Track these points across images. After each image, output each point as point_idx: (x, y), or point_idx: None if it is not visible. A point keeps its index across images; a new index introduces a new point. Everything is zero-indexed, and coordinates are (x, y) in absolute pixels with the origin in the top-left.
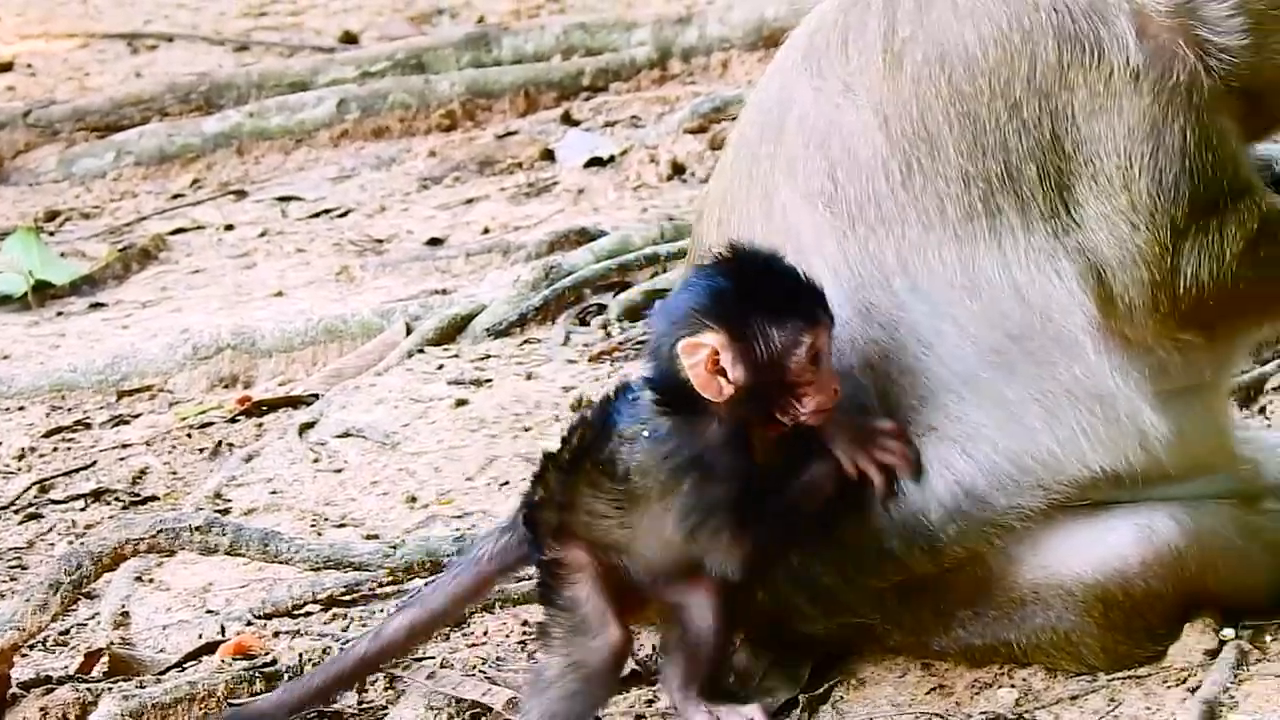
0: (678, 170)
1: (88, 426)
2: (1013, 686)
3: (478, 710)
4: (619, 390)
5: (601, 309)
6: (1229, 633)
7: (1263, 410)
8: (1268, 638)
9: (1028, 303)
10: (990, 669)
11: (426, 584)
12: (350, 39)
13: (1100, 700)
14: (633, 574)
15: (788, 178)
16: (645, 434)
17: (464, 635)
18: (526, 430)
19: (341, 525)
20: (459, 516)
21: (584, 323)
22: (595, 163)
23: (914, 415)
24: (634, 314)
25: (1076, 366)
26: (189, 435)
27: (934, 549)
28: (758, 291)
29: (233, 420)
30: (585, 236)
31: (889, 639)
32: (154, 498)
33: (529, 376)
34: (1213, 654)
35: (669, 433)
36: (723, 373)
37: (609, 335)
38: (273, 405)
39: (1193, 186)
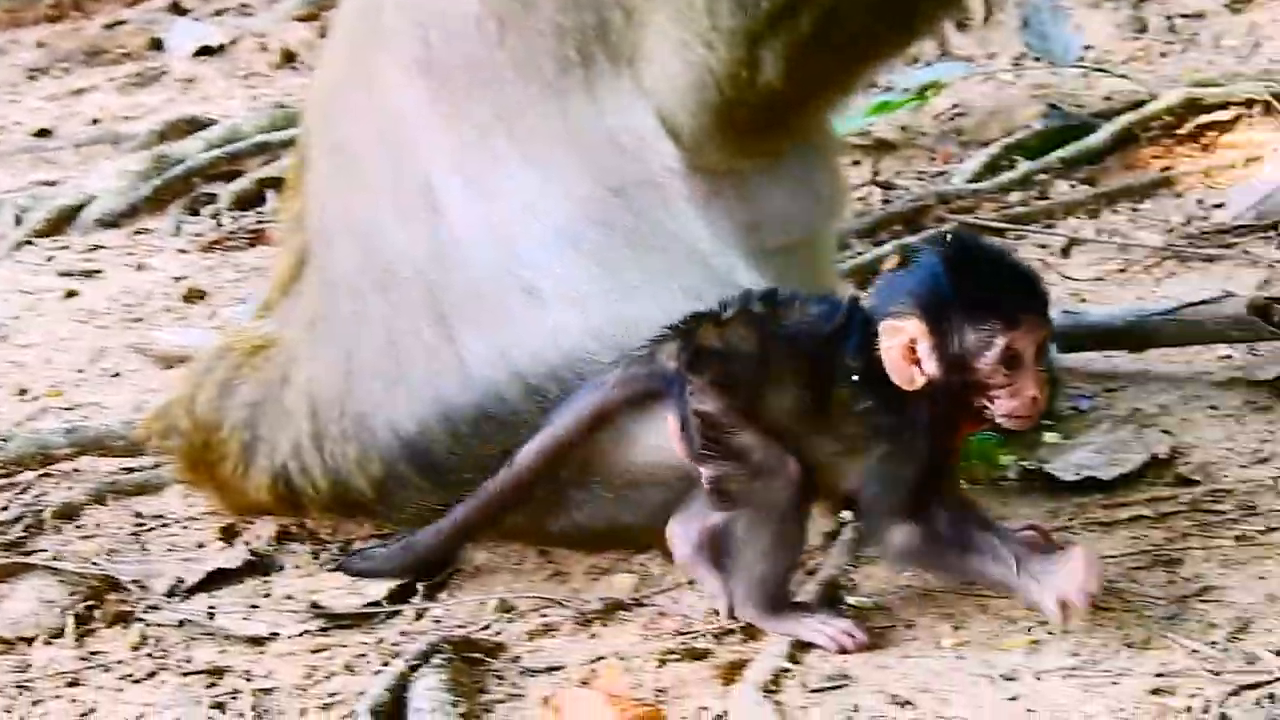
0: (288, 58)
1: None
2: (631, 572)
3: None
4: (854, 306)
5: (212, 198)
6: (847, 515)
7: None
8: None
9: (622, 152)
10: (608, 555)
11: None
12: None
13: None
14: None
15: (384, 50)
16: (855, 378)
17: (76, 529)
18: (138, 321)
19: None
20: (70, 409)
21: (194, 212)
22: (205, 51)
23: (517, 276)
24: (245, 202)
25: (671, 221)
26: None
27: (541, 413)
28: (966, 284)
29: None
30: (195, 126)
31: (502, 521)
32: None
33: (140, 267)
34: (831, 536)
35: (872, 394)
36: (918, 362)
37: (220, 225)
38: None
39: None
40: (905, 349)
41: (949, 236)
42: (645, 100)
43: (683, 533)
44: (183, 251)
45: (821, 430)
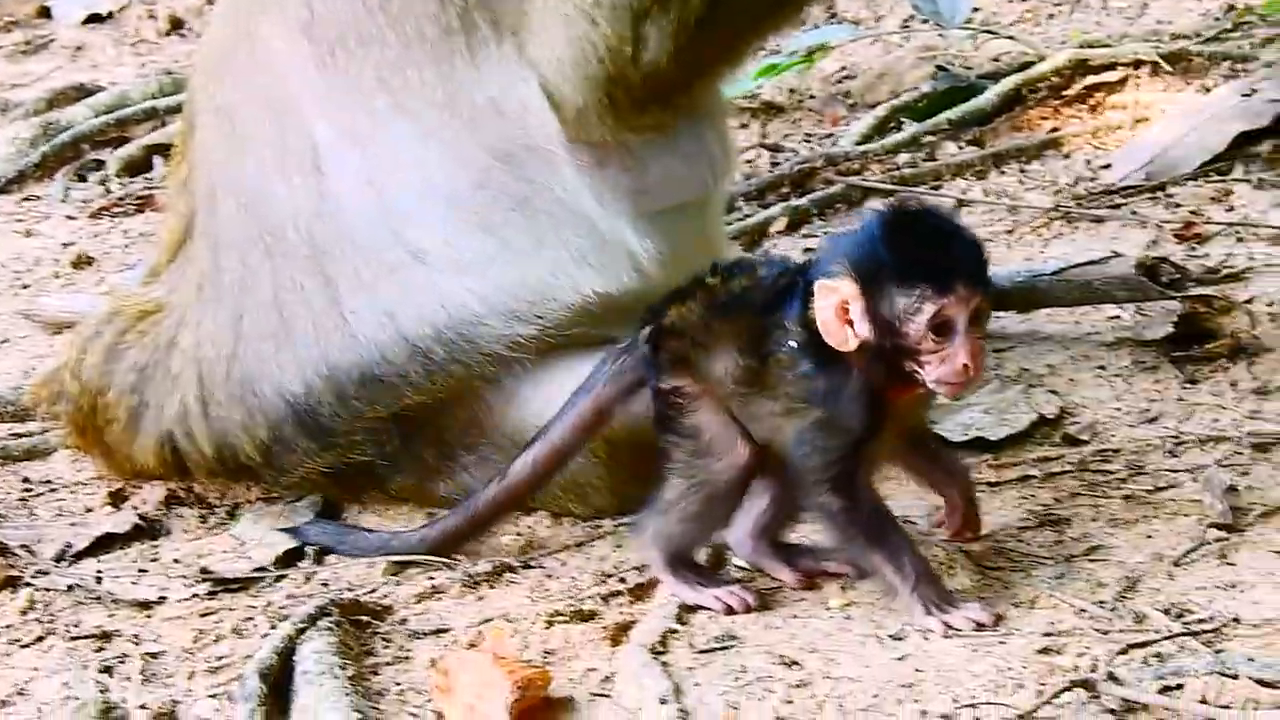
0: (176, 25)
1: None
2: (518, 534)
3: None
4: (801, 269)
5: (100, 165)
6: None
7: (766, 254)
8: None
9: (505, 118)
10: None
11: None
12: None
13: (606, 546)
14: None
15: (267, 14)
16: (793, 341)
17: None
18: (26, 288)
19: None
20: None
21: (83, 179)
22: (93, 19)
23: (402, 238)
24: (133, 169)
25: (557, 185)
26: None
27: (427, 374)
28: (902, 250)
29: None
30: (83, 92)
31: (390, 483)
32: None
33: (28, 234)
34: None
35: (809, 356)
36: (851, 324)
37: (108, 191)
38: None
39: None
40: (839, 310)
41: (893, 204)
42: (529, 70)
43: (741, 528)
44: (71, 218)
45: (762, 394)
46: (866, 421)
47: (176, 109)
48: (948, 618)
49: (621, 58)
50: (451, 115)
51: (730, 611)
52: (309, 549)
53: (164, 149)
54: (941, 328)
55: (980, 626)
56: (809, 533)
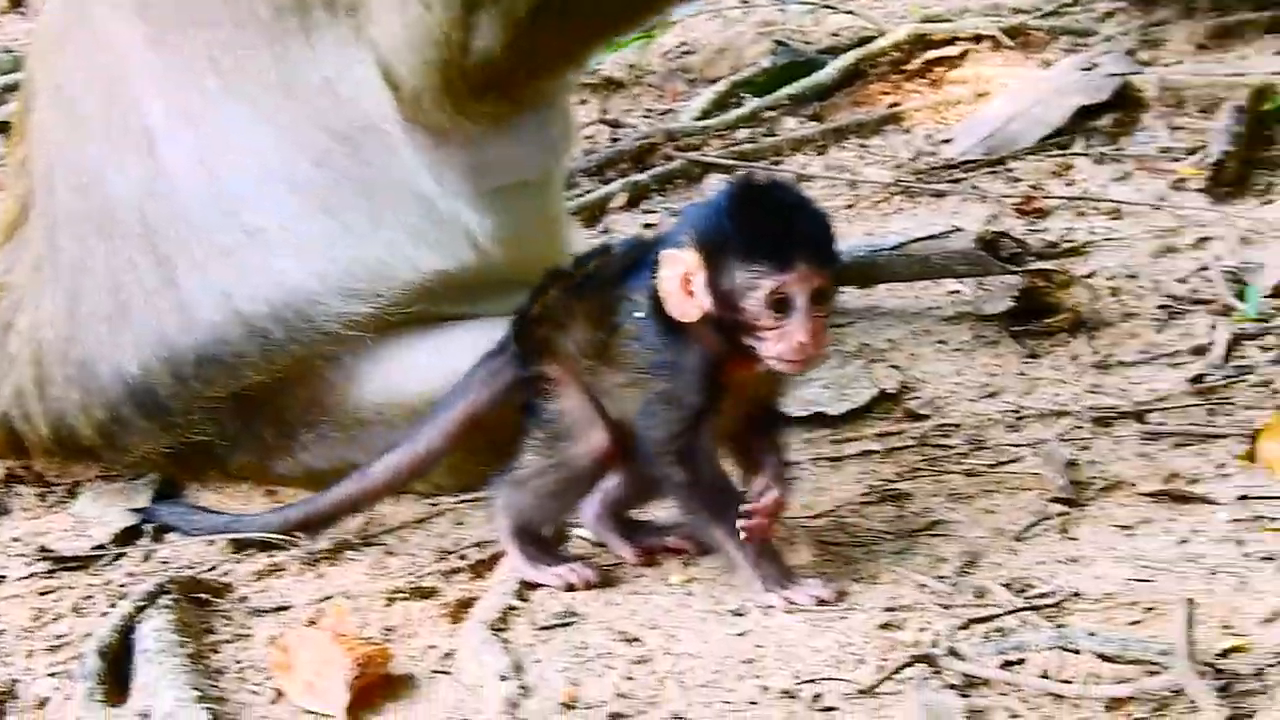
0: (15, 3)
1: None
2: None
3: None
4: (653, 242)
5: None
6: None
7: (606, 231)
8: None
9: (341, 99)
10: None
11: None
12: None
13: (446, 523)
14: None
15: None
16: (639, 313)
17: None
18: None
19: None
20: None
21: None
22: None
23: (237, 218)
24: None
25: (394, 165)
26: None
27: (265, 354)
28: (745, 224)
29: None
30: None
31: (230, 462)
32: None
33: None
34: None
35: (653, 327)
36: (693, 295)
37: None
38: None
39: None
40: (682, 280)
41: (744, 176)
42: (366, 51)
43: (590, 502)
44: None
45: (611, 366)
46: (705, 394)
47: (16, 87)
48: (788, 593)
49: (454, 44)
50: (286, 96)
51: (570, 588)
52: (147, 527)
53: (3, 127)
54: (780, 304)
55: (822, 602)
56: (655, 509)
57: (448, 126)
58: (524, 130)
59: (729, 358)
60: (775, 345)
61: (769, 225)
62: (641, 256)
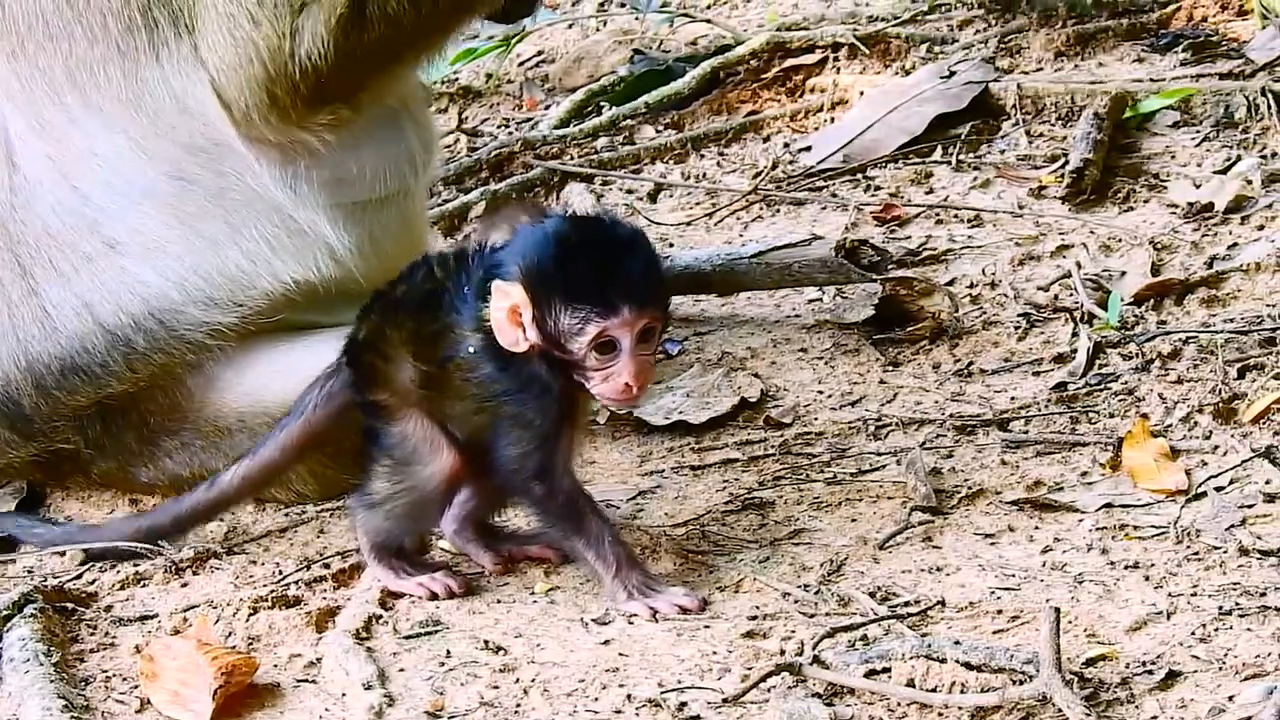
0: None
1: None
2: (221, 520)
3: None
4: (472, 255)
5: None
6: None
7: (467, 237)
8: None
9: (190, 114)
10: None
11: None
12: None
13: (309, 532)
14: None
15: None
16: (470, 346)
17: None
18: None
19: None
20: None
21: None
22: None
23: (96, 230)
24: None
25: (248, 177)
26: None
27: (127, 363)
28: (569, 266)
29: None
30: None
31: (93, 469)
32: None
33: None
34: None
35: (489, 358)
36: (522, 327)
37: None
38: None
39: None
40: (510, 312)
41: (572, 212)
42: (202, 70)
43: (449, 514)
44: None
45: (449, 396)
46: (553, 414)
47: None
48: (651, 602)
49: (280, 56)
50: (137, 111)
51: (434, 597)
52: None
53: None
54: (605, 346)
55: (685, 611)
56: (515, 517)
57: (286, 141)
58: (382, 144)
59: (567, 383)
60: (600, 385)
61: (593, 269)
62: (458, 272)
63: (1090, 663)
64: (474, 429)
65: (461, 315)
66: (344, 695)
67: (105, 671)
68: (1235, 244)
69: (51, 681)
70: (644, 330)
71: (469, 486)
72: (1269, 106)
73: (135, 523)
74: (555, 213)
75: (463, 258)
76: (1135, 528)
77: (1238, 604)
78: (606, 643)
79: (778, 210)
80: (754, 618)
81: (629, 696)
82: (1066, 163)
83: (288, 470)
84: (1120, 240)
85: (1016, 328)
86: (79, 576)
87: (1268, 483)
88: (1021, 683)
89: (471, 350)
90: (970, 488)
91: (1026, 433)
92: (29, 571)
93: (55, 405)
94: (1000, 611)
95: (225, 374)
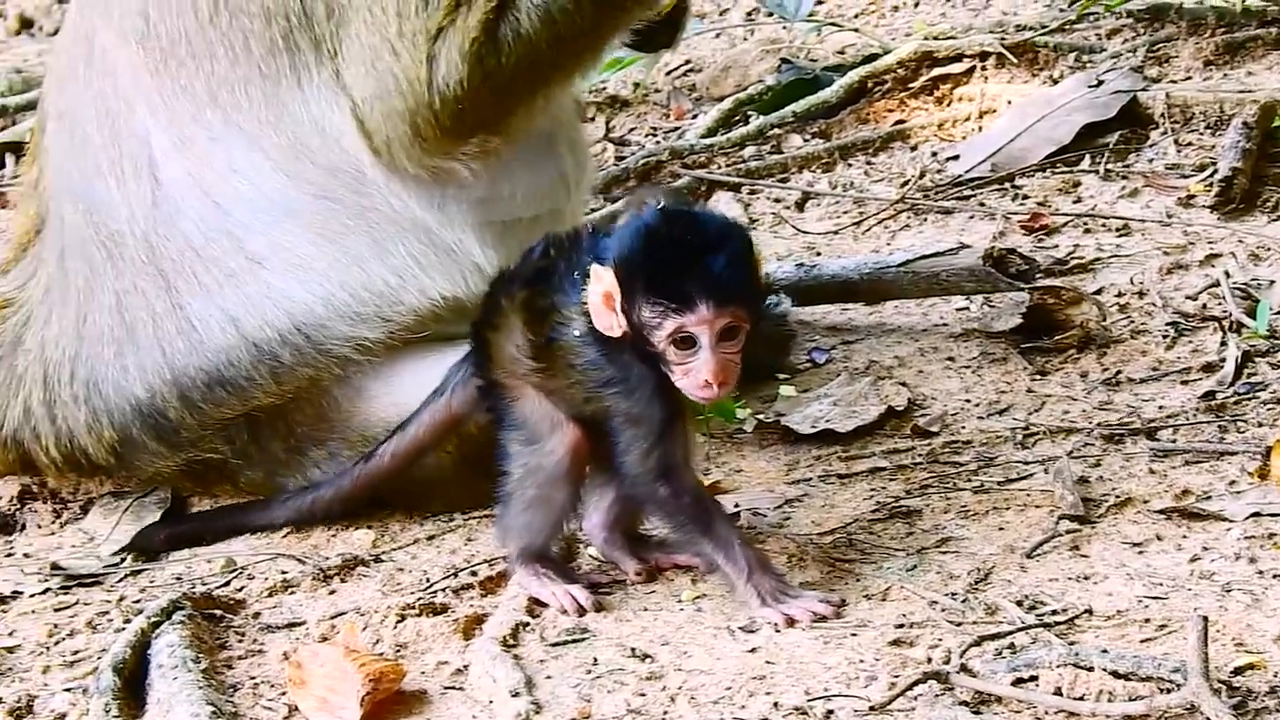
0: (26, 25)
1: None
2: (370, 528)
3: None
4: (584, 238)
5: None
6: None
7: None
8: None
9: (328, 137)
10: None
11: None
12: None
13: (457, 539)
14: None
15: (105, 20)
16: (576, 330)
17: None
18: None
19: None
20: None
21: None
22: None
23: (239, 245)
24: None
25: (391, 198)
26: None
27: (274, 376)
28: (654, 259)
29: None
30: None
31: (240, 478)
32: None
33: None
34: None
35: (591, 342)
36: (615, 313)
37: None
38: None
39: None
40: (605, 297)
41: (664, 201)
42: (345, 97)
43: (596, 520)
44: None
45: (556, 375)
46: (660, 409)
47: (27, 107)
48: (786, 609)
49: (419, 86)
50: (277, 132)
51: (581, 612)
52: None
53: (15, 147)
54: (685, 342)
55: (820, 618)
56: (662, 526)
57: (428, 172)
58: (535, 165)
59: (663, 374)
60: (682, 380)
61: (675, 264)
62: (569, 254)
63: (1238, 671)
64: (578, 408)
65: (568, 296)
66: (491, 702)
67: (253, 678)
68: None
69: (200, 688)
70: (726, 329)
71: (611, 489)
72: None
73: (298, 500)
74: (658, 204)
75: (576, 239)
76: None
77: None
78: (753, 650)
79: (925, 219)
80: (901, 626)
81: (775, 704)
82: (1215, 171)
83: (432, 449)
84: (1269, 249)
85: (1164, 336)
86: (227, 584)
87: None
88: (1169, 691)
89: (577, 334)
90: (1118, 496)
91: (1174, 441)
92: (177, 578)
93: (201, 417)
94: (1148, 620)
95: (373, 385)
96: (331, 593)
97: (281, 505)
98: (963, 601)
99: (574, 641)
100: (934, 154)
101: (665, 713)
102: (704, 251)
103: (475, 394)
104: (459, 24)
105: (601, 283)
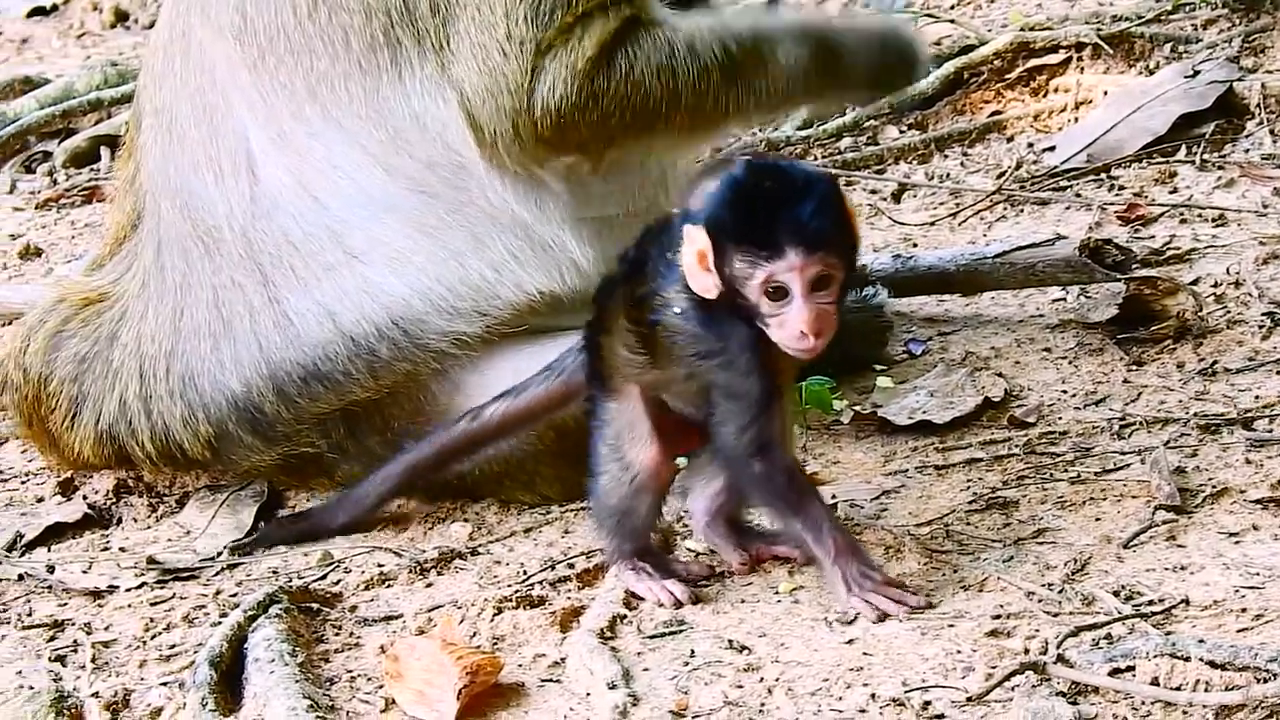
0: (121, 17)
1: None
2: (466, 521)
3: None
4: (674, 223)
5: (47, 156)
6: (682, 461)
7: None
8: None
9: (429, 132)
10: (443, 503)
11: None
12: None
13: (554, 532)
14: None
15: (202, 15)
16: (676, 309)
17: None
18: None
19: None
20: None
21: (30, 170)
22: (38, 12)
23: (337, 239)
24: (79, 160)
25: (489, 193)
26: None
27: (371, 371)
28: (742, 210)
29: None
30: (29, 85)
31: (337, 472)
32: None
33: None
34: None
35: (691, 315)
36: (710, 271)
37: (55, 182)
38: None
39: (563, 4)
40: (699, 257)
41: (756, 159)
42: (451, 91)
43: (700, 507)
44: (18, 209)
45: (659, 362)
46: (762, 378)
47: (121, 100)
48: (872, 596)
49: (522, 93)
50: (377, 127)
51: (677, 605)
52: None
53: (110, 140)
54: (777, 292)
55: (913, 609)
56: (763, 515)
57: (527, 171)
58: (634, 166)
59: (764, 340)
60: (778, 332)
61: (761, 212)
62: (661, 242)
63: None
64: (689, 400)
65: (665, 279)
66: (588, 695)
67: (350, 671)
68: None
69: (296, 681)
70: (817, 277)
71: (720, 476)
72: None
73: (401, 460)
74: (745, 159)
75: (667, 225)
76: None
77: None
78: (850, 642)
79: (1021, 210)
80: (998, 617)
81: (873, 695)
82: None
83: (540, 420)
84: None
85: (1261, 327)
86: (323, 577)
87: None
88: (1266, 681)
89: (677, 311)
90: (1214, 487)
91: (1271, 431)
92: (273, 572)
93: (297, 411)
94: (1245, 610)
95: (470, 378)
96: (428, 585)
97: (378, 475)
98: (1059, 592)
99: (671, 634)
100: (1030, 145)
101: (762, 704)
102: (791, 200)
103: (574, 380)
104: (572, 43)
105: (694, 243)
